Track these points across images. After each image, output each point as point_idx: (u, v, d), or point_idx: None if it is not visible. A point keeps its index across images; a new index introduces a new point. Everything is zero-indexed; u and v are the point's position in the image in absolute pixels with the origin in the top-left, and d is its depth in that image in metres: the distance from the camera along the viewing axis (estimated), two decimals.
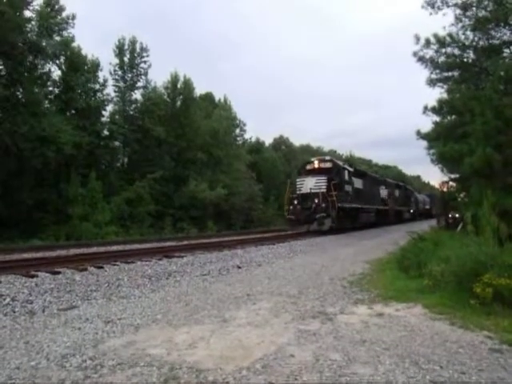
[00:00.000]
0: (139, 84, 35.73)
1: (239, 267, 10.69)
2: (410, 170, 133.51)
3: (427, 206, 57.67)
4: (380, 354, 4.21)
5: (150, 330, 5.15)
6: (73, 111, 29.78)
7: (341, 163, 25.32)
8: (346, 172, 24.84)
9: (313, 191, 22.21)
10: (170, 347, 4.48)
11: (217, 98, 48.15)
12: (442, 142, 14.93)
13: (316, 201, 21.83)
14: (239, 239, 18.08)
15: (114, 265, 9.90)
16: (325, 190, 21.98)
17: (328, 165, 24.24)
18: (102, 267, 9.44)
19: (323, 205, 21.56)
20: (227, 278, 9.31)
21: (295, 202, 22.63)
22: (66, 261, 10.50)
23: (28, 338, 4.92)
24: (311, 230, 21.98)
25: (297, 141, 65.30)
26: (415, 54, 13.87)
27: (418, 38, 13.36)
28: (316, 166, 24.41)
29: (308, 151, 60.38)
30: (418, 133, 16.51)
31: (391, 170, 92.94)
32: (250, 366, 3.93)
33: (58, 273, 8.58)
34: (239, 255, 12.74)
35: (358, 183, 27.17)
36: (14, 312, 6.15)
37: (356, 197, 25.92)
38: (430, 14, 13.27)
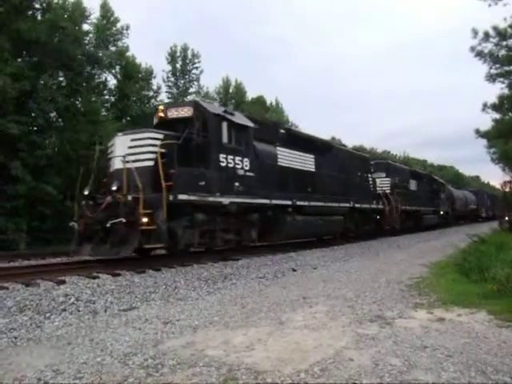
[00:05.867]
0: (192, 90, 36.58)
1: (294, 270, 10.65)
2: (468, 170, 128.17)
3: (472, 206, 46.23)
4: (443, 360, 4.05)
5: (208, 332, 5.23)
6: (128, 118, 30.87)
7: (220, 110, 12.32)
8: (226, 125, 11.60)
9: (118, 168, 10.33)
10: (228, 348, 4.53)
11: (268, 101, 48.44)
12: (504, 140, 14.30)
13: (114, 188, 10.04)
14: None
15: (171, 267, 10.13)
16: (150, 163, 10.29)
17: (185, 112, 11.68)
18: (159, 270, 9.69)
19: (129, 197, 9.68)
20: (283, 280, 9.31)
21: (85, 193, 10.67)
22: (125, 263, 10.84)
23: (92, 336, 5.14)
24: (96, 257, 10.38)
25: (350, 142, 64.44)
26: (473, 48, 13.38)
27: (475, 32, 12.89)
28: (162, 114, 11.88)
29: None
30: (477, 131, 15.89)
31: (447, 171, 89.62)
32: (307, 368, 3.90)
33: (118, 275, 8.88)
34: (294, 258, 12.72)
35: (293, 158, 15.17)
36: (79, 311, 6.43)
37: (281, 182, 14.08)
38: (489, 5, 12.75)
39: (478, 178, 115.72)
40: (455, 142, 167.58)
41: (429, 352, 4.29)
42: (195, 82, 36.65)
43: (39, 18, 23.43)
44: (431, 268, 10.41)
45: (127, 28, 30.01)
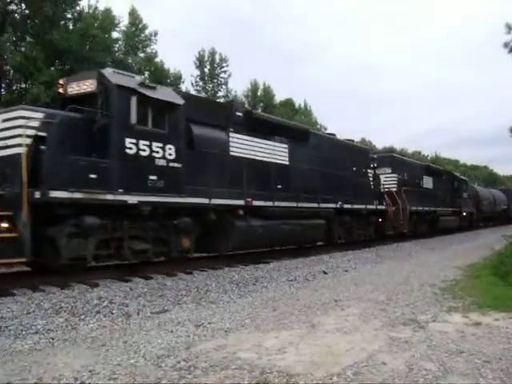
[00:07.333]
0: (220, 94, 36.87)
1: (325, 273, 10.58)
2: (504, 170, 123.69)
3: (503, 206, 41.64)
4: (480, 366, 3.94)
5: (240, 335, 5.24)
6: None
7: (131, 82, 9.24)
8: (135, 101, 8.73)
9: None
10: (260, 351, 4.53)
11: (297, 104, 48.44)
12: None
13: None
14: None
15: (203, 271, 10.21)
16: (21, 150, 7.58)
17: (87, 86, 9.07)
18: (191, 273, 9.78)
19: None
20: (314, 283, 9.24)
21: None
22: (157, 266, 10.96)
23: (126, 338, 5.21)
24: None
25: (380, 143, 63.74)
26: (506, 44, 12.94)
27: (509, 27, 12.42)
28: (61, 90, 9.57)
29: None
30: None
31: (480, 171, 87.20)
32: (340, 372, 3.86)
33: (150, 278, 9.00)
34: (325, 261, 12.65)
35: (255, 148, 12.20)
36: (112, 314, 6.54)
37: (234, 177, 11.26)
38: None
39: None
40: (490, 140, 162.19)
41: (465, 357, 4.19)
42: (223, 86, 36.96)
43: (71, 27, 24.10)
44: (465, 270, 10.17)
45: (155, 34, 30.61)
